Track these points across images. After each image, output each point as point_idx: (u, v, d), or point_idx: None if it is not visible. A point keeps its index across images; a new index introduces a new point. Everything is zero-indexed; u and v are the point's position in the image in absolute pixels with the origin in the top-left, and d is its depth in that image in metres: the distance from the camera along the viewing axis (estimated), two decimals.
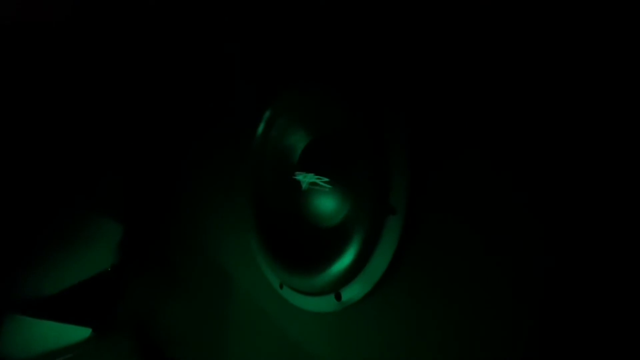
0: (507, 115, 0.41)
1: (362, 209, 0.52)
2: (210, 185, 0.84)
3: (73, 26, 0.83)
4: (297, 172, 0.63)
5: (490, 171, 0.42)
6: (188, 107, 0.91)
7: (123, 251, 0.94)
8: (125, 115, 0.95)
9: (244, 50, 0.76)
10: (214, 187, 0.83)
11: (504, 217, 0.41)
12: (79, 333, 0.88)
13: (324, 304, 0.56)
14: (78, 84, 0.88)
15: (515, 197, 0.40)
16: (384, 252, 0.49)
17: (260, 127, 0.66)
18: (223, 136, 0.81)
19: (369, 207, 0.50)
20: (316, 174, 0.59)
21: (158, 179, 0.98)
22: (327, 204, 0.57)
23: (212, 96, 0.85)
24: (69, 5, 0.79)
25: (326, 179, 0.58)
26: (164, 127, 0.97)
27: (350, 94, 0.53)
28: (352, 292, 0.53)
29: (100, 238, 0.93)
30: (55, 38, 0.82)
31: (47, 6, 0.78)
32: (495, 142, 0.42)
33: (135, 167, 0.98)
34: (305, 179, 0.62)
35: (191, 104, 0.90)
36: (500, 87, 0.42)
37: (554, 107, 0.38)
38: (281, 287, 0.63)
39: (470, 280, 0.43)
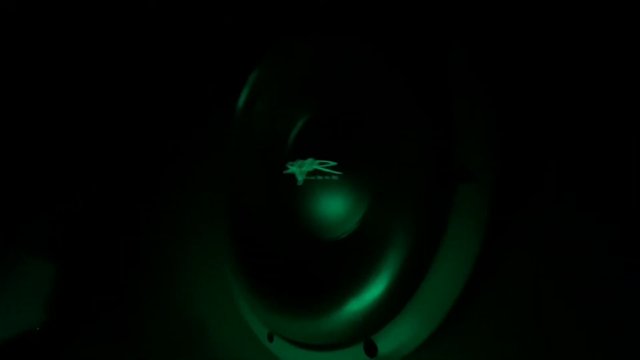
0: None
1: (401, 187, 0.30)
2: (174, 205, 0.70)
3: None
4: (288, 163, 0.46)
5: None
6: (140, 102, 0.78)
7: (57, 304, 0.80)
8: (54, 129, 0.82)
9: None
10: (178, 206, 0.69)
11: None
12: None
13: None
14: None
15: None
16: (453, 258, 0.27)
17: (243, 95, 0.49)
18: (189, 128, 0.67)
19: (415, 179, 0.28)
20: (317, 159, 0.42)
21: (99, 203, 0.84)
22: (337, 200, 0.39)
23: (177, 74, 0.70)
24: None
25: (333, 163, 0.40)
26: (105, 136, 0.83)
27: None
28: (396, 340, 0.31)
29: (26, 288, 0.79)
30: None
31: None
32: None
33: (68, 195, 0.84)
34: (301, 168, 0.44)
35: (145, 95, 0.77)
36: None
37: None
38: (270, 339, 0.44)
39: None
